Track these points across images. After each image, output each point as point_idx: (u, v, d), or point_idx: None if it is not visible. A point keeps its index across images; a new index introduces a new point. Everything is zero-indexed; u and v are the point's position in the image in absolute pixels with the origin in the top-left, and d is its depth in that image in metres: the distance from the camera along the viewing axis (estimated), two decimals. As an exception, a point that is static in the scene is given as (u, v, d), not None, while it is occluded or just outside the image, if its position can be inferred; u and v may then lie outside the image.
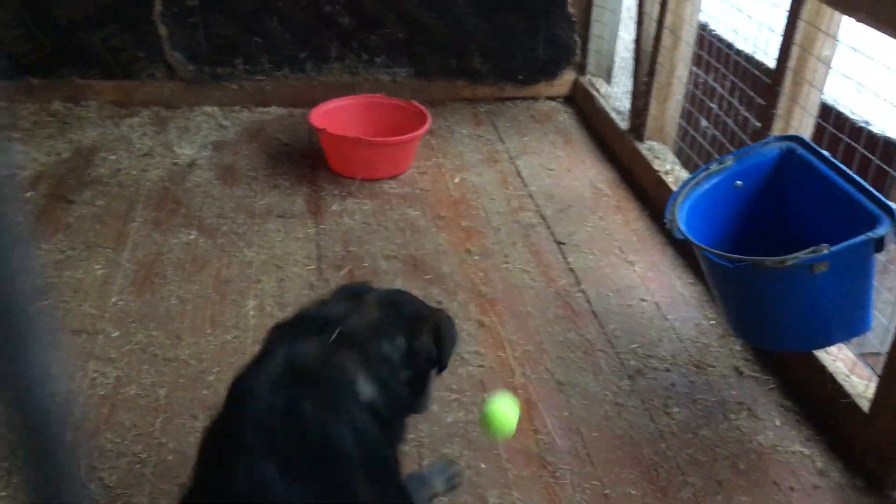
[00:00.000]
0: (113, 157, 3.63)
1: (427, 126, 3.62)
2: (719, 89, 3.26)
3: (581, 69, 4.40)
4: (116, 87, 4.06)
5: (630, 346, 2.61)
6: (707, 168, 2.39)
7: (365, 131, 3.67)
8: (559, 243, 3.16)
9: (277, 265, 2.94)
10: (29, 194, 3.30)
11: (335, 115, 3.70)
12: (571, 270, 2.99)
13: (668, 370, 2.51)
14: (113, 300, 2.71)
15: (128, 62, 4.02)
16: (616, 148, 3.84)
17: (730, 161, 2.39)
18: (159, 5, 3.92)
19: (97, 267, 2.88)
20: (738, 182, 2.39)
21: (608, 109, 4.00)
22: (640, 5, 3.60)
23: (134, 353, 2.47)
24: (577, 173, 3.71)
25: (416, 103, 3.81)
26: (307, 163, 3.67)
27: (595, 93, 4.19)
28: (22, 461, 0.47)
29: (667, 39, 3.37)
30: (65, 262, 2.89)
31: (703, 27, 3.40)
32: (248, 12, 4.00)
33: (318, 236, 3.13)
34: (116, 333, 2.55)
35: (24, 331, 0.46)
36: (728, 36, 3.42)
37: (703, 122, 3.45)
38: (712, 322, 2.72)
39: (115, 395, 2.31)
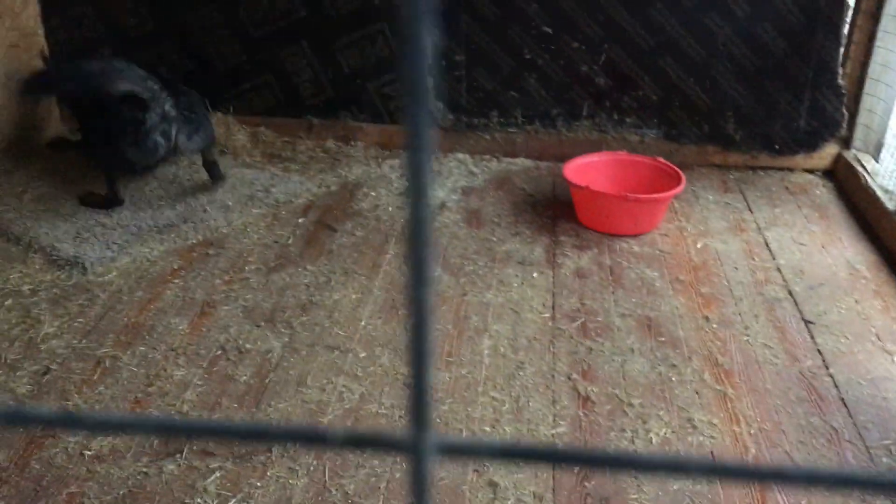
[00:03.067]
0: (374, 194, 3.96)
1: (683, 184, 3.60)
2: None
3: (846, 143, 4.16)
4: (382, 130, 4.43)
5: (882, 442, 2.40)
6: None
7: (615, 188, 3.72)
8: (807, 322, 2.98)
9: (514, 309, 3.04)
10: (301, 220, 3.68)
11: (587, 171, 3.79)
12: (819, 352, 2.81)
13: (926, 475, 2.27)
14: (363, 323, 2.94)
15: (395, 109, 4.39)
16: (880, 228, 3.58)
17: None
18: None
19: (352, 292, 3.14)
20: None
21: (874, 187, 3.74)
22: (923, 79, 3.36)
23: (377, 375, 2.67)
24: (833, 251, 3.49)
25: (668, 163, 3.81)
26: (549, 213, 3.78)
27: (861, 169, 3.93)
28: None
29: (952, 117, 3.11)
30: (325, 284, 3.19)
31: None
32: (509, 69, 4.22)
33: (554, 286, 3.20)
34: (364, 354, 2.77)
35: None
36: None
37: None
38: (985, 430, 2.43)
39: (359, 409, 2.51)
